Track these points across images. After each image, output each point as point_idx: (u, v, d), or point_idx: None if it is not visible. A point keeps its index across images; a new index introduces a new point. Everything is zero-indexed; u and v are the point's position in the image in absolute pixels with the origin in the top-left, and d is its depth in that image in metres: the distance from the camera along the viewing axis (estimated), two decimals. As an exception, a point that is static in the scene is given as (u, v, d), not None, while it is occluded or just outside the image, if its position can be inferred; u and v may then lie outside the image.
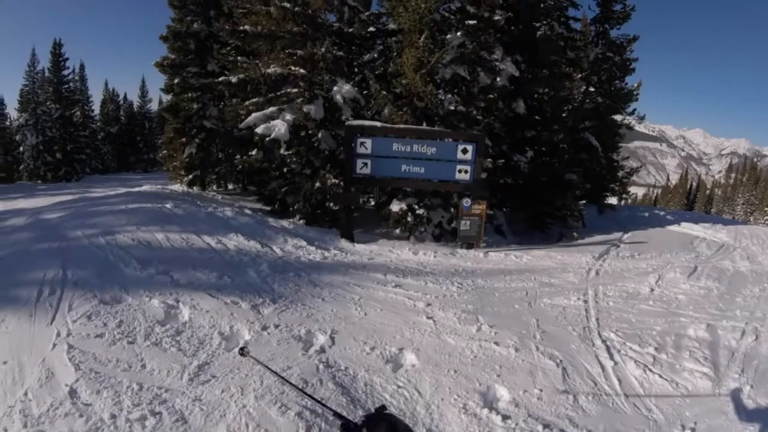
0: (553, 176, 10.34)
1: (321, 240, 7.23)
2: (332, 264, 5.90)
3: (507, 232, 9.95)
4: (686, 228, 13.09)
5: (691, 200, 54.83)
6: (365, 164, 7.44)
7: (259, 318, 3.89)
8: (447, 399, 3.03)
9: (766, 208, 41.27)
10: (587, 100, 13.04)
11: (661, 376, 3.66)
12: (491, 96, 8.77)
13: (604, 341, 4.21)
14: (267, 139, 8.20)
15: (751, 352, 4.43)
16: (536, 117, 10.11)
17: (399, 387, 3.12)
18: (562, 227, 11.12)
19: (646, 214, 16.21)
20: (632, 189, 13.74)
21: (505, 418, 2.89)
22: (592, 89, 13.21)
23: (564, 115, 11.14)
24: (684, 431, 3.05)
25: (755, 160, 74.33)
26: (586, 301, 5.33)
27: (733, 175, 55.18)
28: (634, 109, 14.94)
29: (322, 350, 3.48)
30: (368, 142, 7.38)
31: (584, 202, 12.88)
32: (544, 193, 10.23)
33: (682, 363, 3.96)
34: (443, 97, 8.43)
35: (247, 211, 8.62)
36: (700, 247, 10.29)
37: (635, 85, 14.73)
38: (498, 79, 9.01)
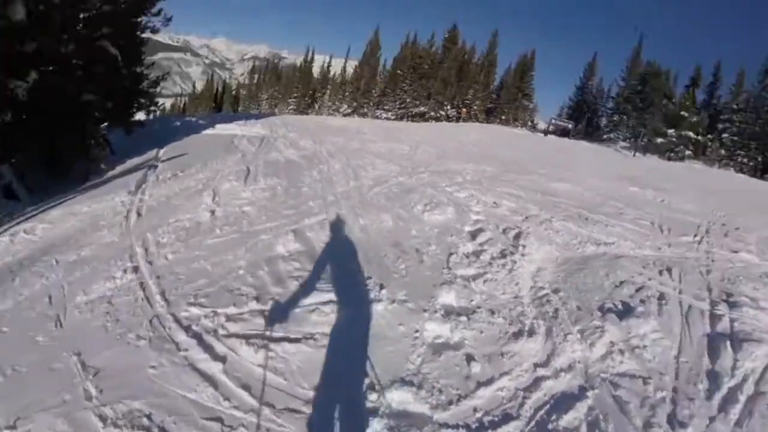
0: (66, 101, 8.08)
1: None
2: None
3: (21, 192, 7.45)
4: (222, 129, 14.25)
5: (219, 102, 63.39)
6: None
7: None
8: None
9: (289, 100, 53.54)
10: (106, 3, 12.01)
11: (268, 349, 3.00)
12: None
13: (189, 330, 3.05)
14: None
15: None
16: (43, 27, 8.47)
17: None
18: (87, 162, 9.05)
19: (178, 123, 16.62)
20: (160, 101, 13.98)
21: None
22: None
23: (81, 25, 10.21)
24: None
25: (276, 61, 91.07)
26: (136, 269, 3.88)
27: (256, 76, 66.43)
28: (161, 9, 14.48)
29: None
30: None
31: (106, 124, 10.86)
32: (58, 127, 8.05)
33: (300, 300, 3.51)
34: None
35: None
36: (243, 145, 10.32)
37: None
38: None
